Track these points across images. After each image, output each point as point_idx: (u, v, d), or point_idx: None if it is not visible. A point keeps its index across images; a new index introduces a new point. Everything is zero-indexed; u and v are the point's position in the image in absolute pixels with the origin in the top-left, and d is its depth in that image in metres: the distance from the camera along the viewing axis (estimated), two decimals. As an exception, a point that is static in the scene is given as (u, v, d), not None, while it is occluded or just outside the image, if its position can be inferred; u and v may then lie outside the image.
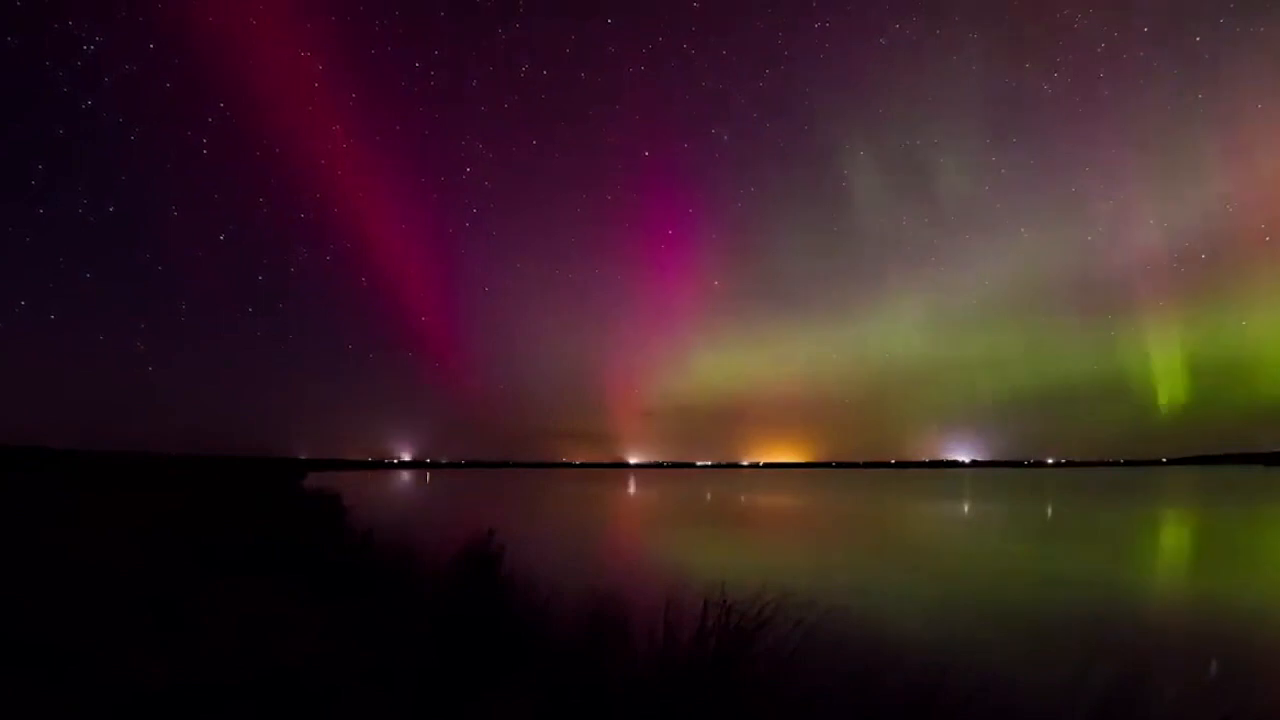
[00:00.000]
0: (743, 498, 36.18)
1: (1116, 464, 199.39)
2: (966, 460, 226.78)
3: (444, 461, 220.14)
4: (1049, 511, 25.14)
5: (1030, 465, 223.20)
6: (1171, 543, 15.61)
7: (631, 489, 49.14)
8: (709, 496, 37.18)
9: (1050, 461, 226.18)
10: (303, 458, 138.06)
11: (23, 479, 23.30)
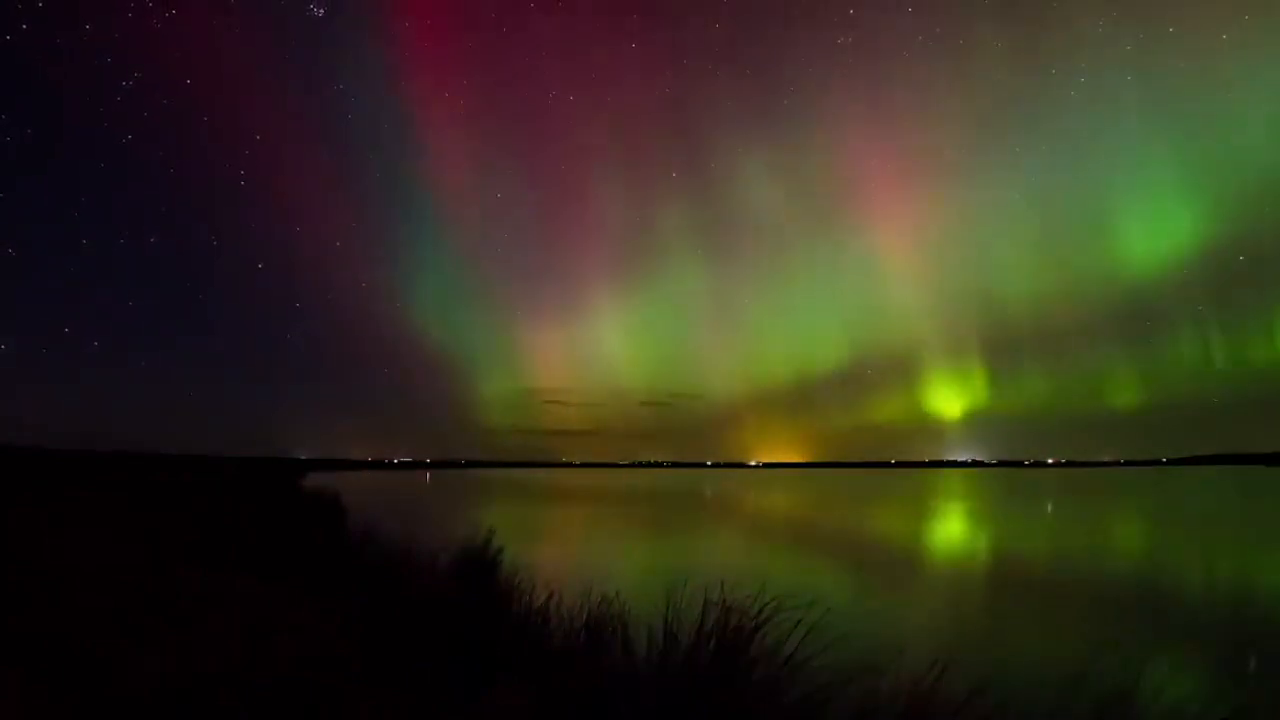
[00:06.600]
0: (743, 499, 36.16)
1: (1116, 464, 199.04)
2: (967, 460, 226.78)
3: (444, 461, 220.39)
4: (1048, 509, 25.12)
5: (1030, 465, 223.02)
6: (1171, 540, 15.59)
7: (631, 490, 49.10)
8: (709, 494, 37.16)
9: (1050, 461, 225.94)
10: (303, 458, 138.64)
11: (26, 480, 23.29)
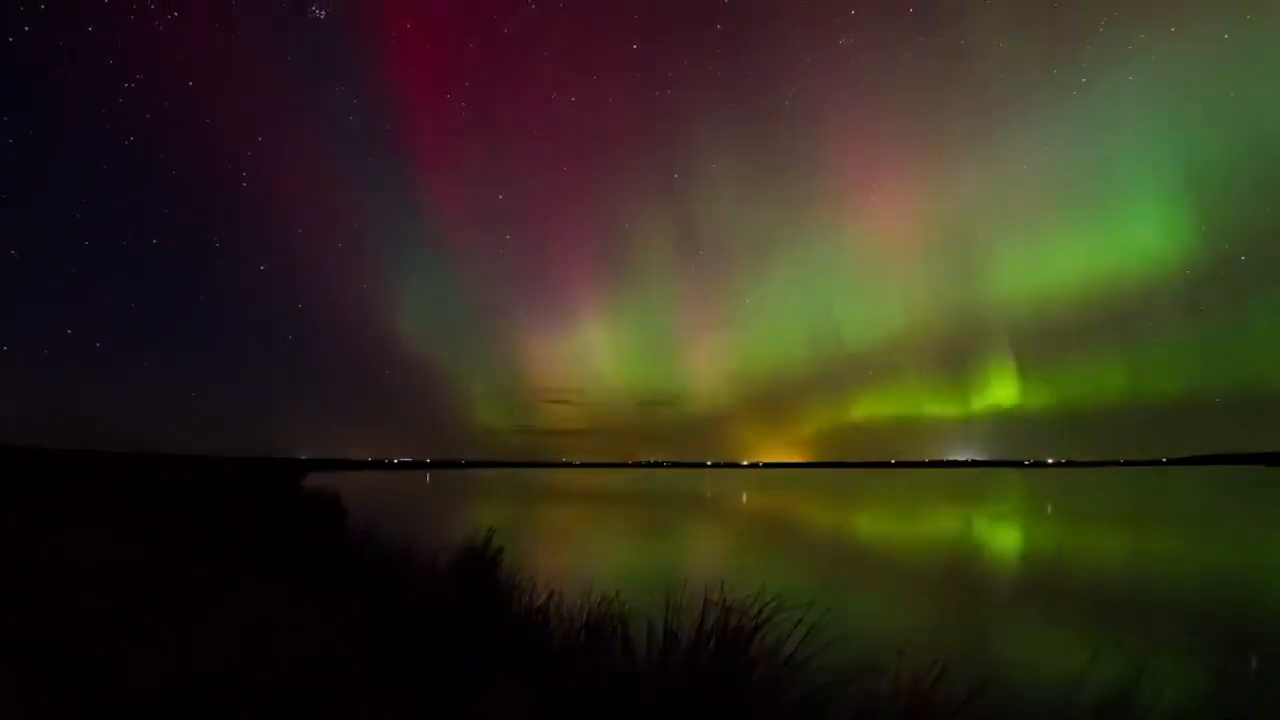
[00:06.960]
0: (743, 499, 36.16)
1: (1116, 463, 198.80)
2: (967, 460, 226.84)
3: (444, 461, 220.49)
4: (1048, 509, 25.12)
5: (1029, 465, 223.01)
6: (1172, 540, 15.59)
7: (630, 490, 49.10)
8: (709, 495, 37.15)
9: (1050, 461, 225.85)
10: (303, 458, 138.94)
11: (26, 480, 23.29)
